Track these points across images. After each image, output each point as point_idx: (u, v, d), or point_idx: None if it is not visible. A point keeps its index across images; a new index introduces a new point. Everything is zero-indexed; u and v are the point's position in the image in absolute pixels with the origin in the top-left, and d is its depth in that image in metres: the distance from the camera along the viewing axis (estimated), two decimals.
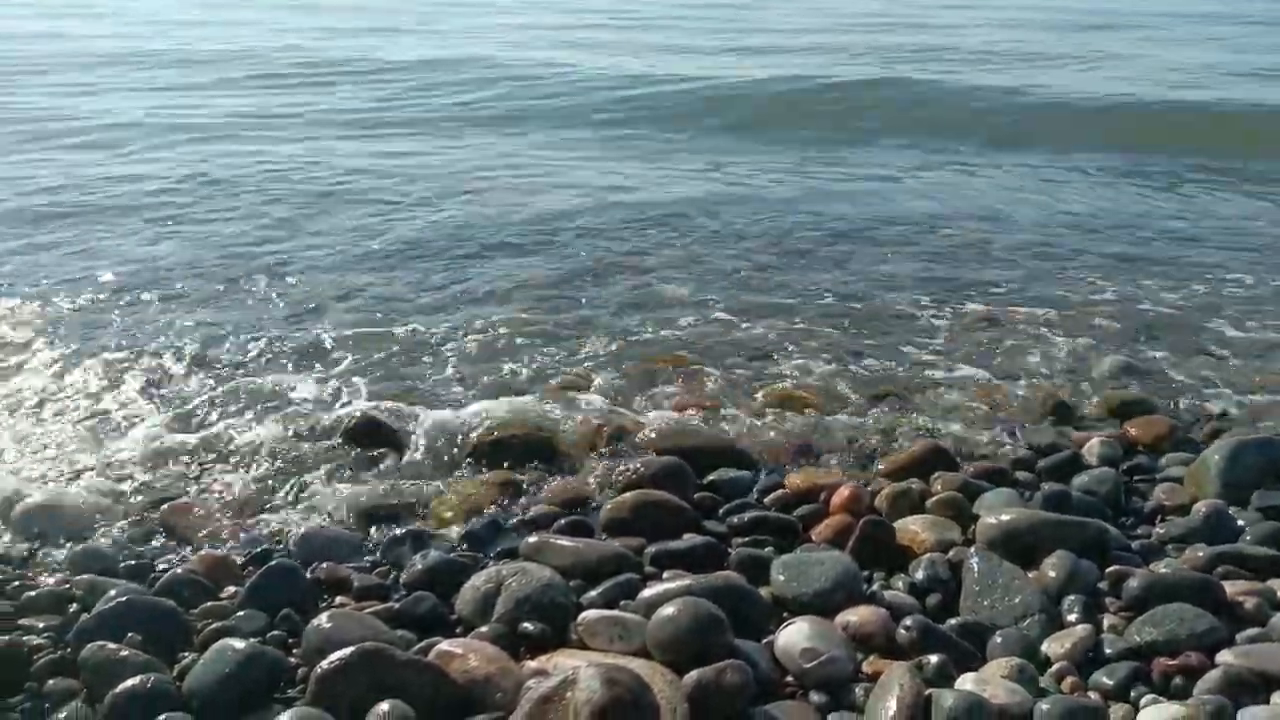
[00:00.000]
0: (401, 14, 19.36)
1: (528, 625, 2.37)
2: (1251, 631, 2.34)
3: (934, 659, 2.23)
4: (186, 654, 2.30)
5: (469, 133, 9.25)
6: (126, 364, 4.11)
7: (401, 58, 13.28)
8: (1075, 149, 8.79)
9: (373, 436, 3.43)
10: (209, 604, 2.52)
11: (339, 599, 2.58)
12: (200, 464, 3.33)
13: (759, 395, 3.83)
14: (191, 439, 3.48)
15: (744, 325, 4.63)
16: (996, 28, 18.47)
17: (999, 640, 2.34)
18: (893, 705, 2.04)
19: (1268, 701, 2.11)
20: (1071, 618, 2.42)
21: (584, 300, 4.95)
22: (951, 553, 2.66)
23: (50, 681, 2.22)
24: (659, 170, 7.92)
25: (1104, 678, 2.20)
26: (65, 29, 15.98)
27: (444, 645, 2.27)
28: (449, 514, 3.03)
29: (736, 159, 8.35)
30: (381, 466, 3.33)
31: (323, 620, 2.33)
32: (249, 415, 3.68)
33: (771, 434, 3.53)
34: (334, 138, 8.81)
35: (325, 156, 7.95)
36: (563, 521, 2.92)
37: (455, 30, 17.14)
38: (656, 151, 8.61)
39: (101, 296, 4.87)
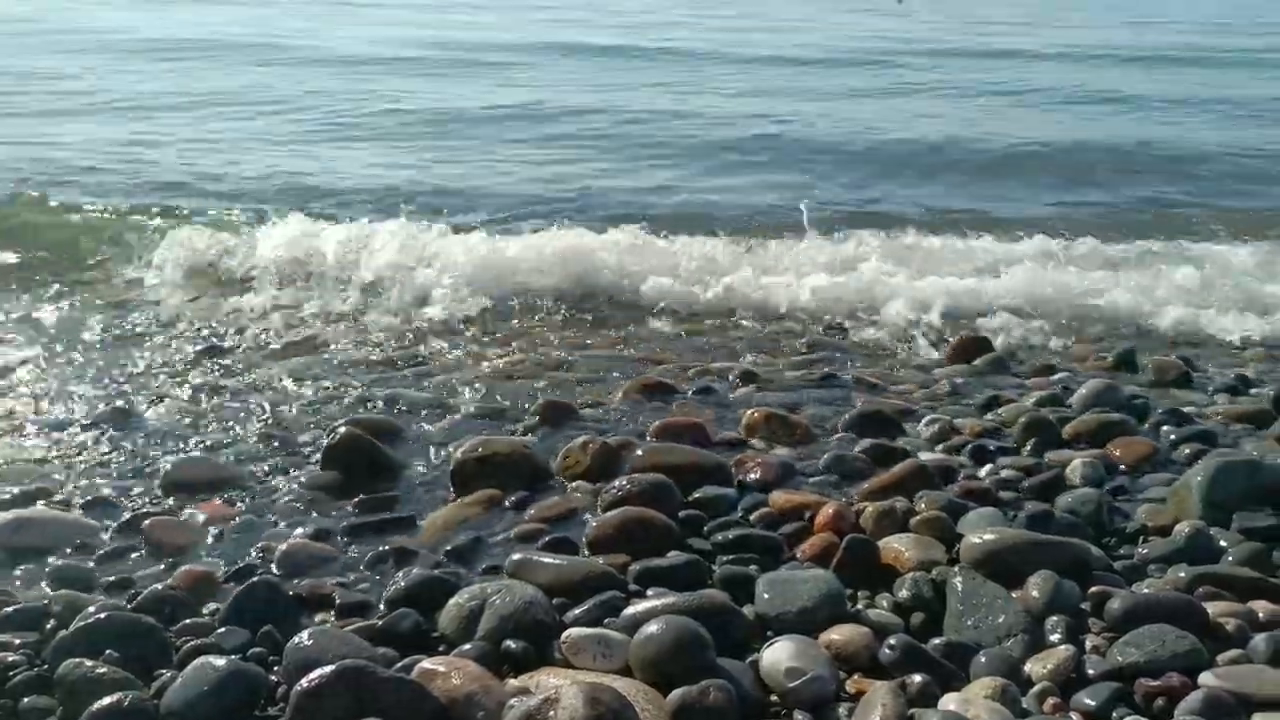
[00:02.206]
0: None
1: (511, 643, 2.36)
2: (1233, 653, 2.35)
3: (917, 678, 2.23)
4: (165, 671, 2.27)
5: None
6: (102, 376, 4.09)
7: None
8: None
9: (356, 453, 3.41)
10: (189, 620, 2.49)
11: (321, 616, 2.56)
12: (182, 480, 3.30)
13: (744, 414, 3.83)
14: (172, 454, 3.47)
15: (729, 345, 4.65)
16: None
17: (982, 660, 2.34)
18: None
19: None
20: (1054, 638, 2.42)
21: (569, 320, 4.96)
22: (935, 572, 2.67)
23: (25, 699, 2.19)
24: None
25: (1086, 699, 2.21)
26: None
27: (426, 663, 2.25)
28: (432, 531, 3.02)
29: None
30: (364, 484, 3.31)
31: (304, 637, 2.31)
32: (231, 431, 3.66)
33: (756, 453, 3.52)
34: None
35: None
36: (547, 539, 2.92)
37: None
38: None
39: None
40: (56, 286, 5.34)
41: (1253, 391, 4.21)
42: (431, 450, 3.55)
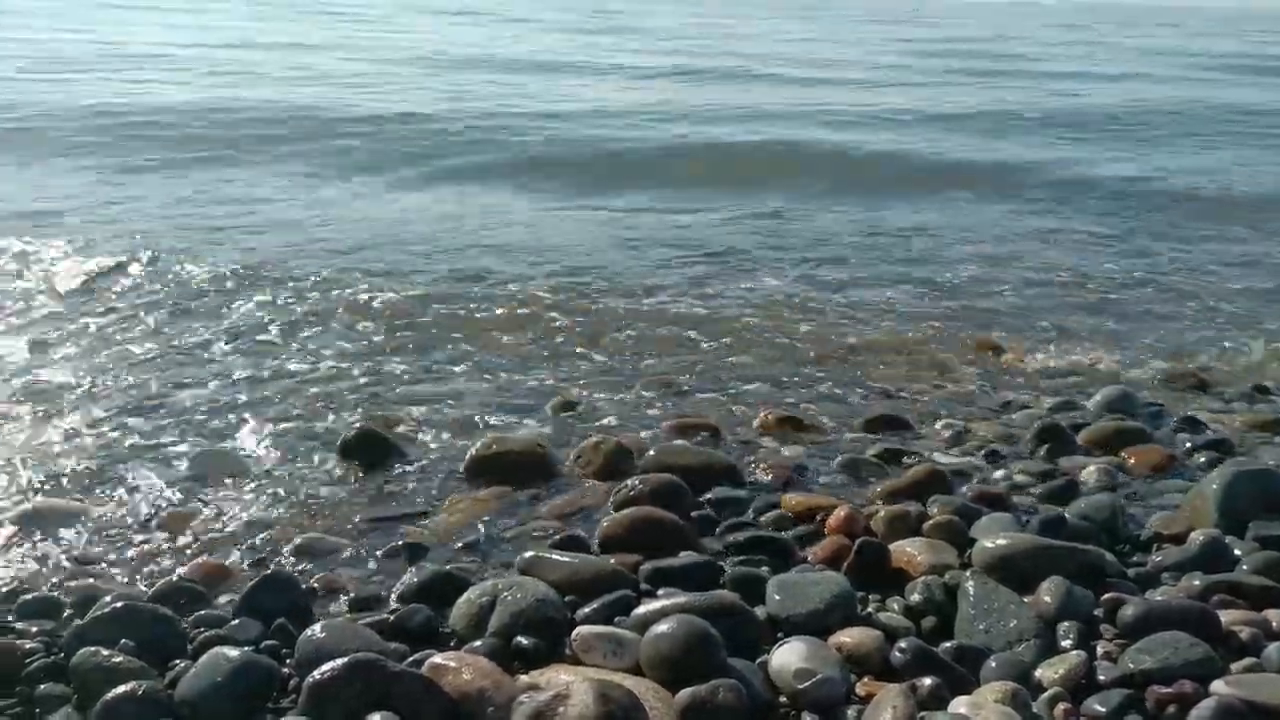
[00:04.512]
0: None
1: (522, 640, 2.37)
2: (1246, 661, 2.33)
3: (927, 682, 2.22)
4: (180, 661, 2.29)
5: None
6: (121, 371, 4.12)
7: None
8: None
9: (371, 449, 3.43)
10: (204, 611, 2.51)
11: (334, 609, 2.58)
12: (199, 472, 3.33)
13: (758, 416, 3.83)
14: (190, 447, 3.49)
15: (743, 348, 4.65)
16: None
17: (993, 665, 2.33)
18: None
19: None
20: (1066, 644, 2.42)
21: (583, 320, 4.96)
22: (947, 576, 2.66)
23: (41, 687, 2.21)
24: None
25: (1097, 705, 2.20)
26: None
27: (437, 658, 2.26)
28: (445, 527, 3.03)
29: None
30: (379, 478, 3.33)
31: (316, 630, 2.33)
32: (248, 424, 3.68)
33: (769, 455, 3.53)
34: None
35: None
36: (559, 537, 2.93)
37: None
38: None
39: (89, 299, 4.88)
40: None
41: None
42: (445, 446, 3.55)
